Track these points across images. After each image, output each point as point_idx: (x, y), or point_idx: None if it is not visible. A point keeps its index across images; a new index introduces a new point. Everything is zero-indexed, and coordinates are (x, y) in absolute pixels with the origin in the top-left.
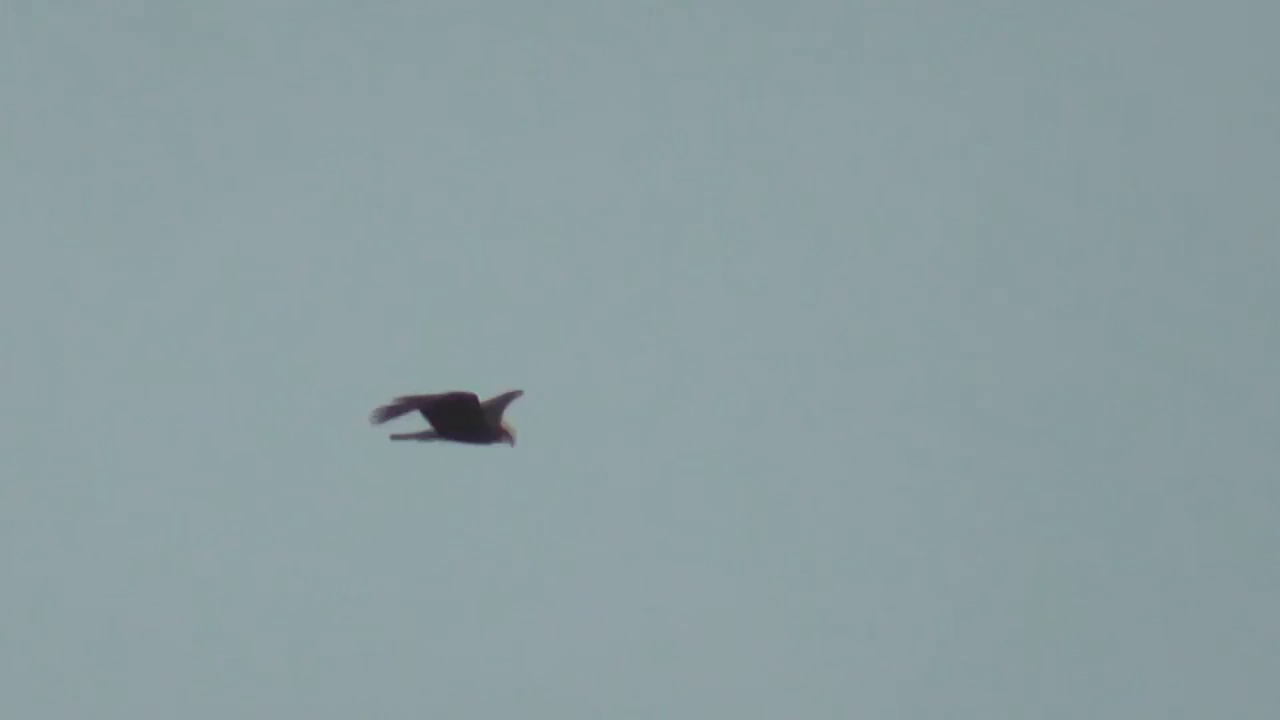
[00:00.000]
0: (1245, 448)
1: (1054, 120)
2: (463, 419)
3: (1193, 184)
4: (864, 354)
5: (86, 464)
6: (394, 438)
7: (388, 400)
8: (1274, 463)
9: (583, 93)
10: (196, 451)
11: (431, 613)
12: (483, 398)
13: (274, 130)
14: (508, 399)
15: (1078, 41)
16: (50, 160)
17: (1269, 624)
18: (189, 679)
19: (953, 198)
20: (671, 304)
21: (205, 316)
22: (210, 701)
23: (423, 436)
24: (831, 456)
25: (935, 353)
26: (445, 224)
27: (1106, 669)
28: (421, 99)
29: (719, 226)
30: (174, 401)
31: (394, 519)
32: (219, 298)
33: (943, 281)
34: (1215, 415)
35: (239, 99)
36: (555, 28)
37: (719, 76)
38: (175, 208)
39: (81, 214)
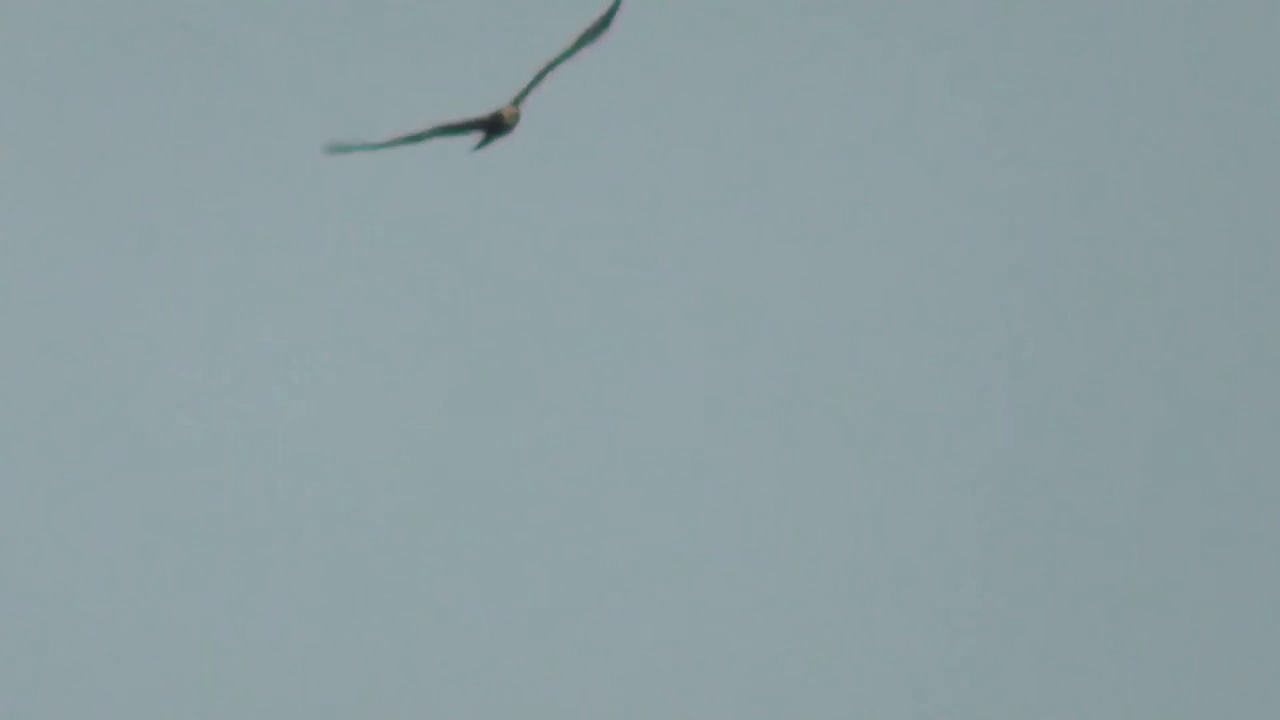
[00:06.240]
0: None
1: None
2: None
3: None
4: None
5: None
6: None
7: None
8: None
9: (588, 94)
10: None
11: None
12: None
13: (273, 132)
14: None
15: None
16: (45, 161)
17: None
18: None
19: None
20: (676, 301)
21: (202, 317)
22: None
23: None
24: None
25: (933, 353)
26: (448, 226)
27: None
28: (423, 100)
29: (719, 220)
30: (171, 403)
31: (392, 518)
32: (216, 300)
33: (949, 285)
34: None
35: (237, 101)
36: (556, 30)
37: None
38: (173, 209)
39: (77, 214)
